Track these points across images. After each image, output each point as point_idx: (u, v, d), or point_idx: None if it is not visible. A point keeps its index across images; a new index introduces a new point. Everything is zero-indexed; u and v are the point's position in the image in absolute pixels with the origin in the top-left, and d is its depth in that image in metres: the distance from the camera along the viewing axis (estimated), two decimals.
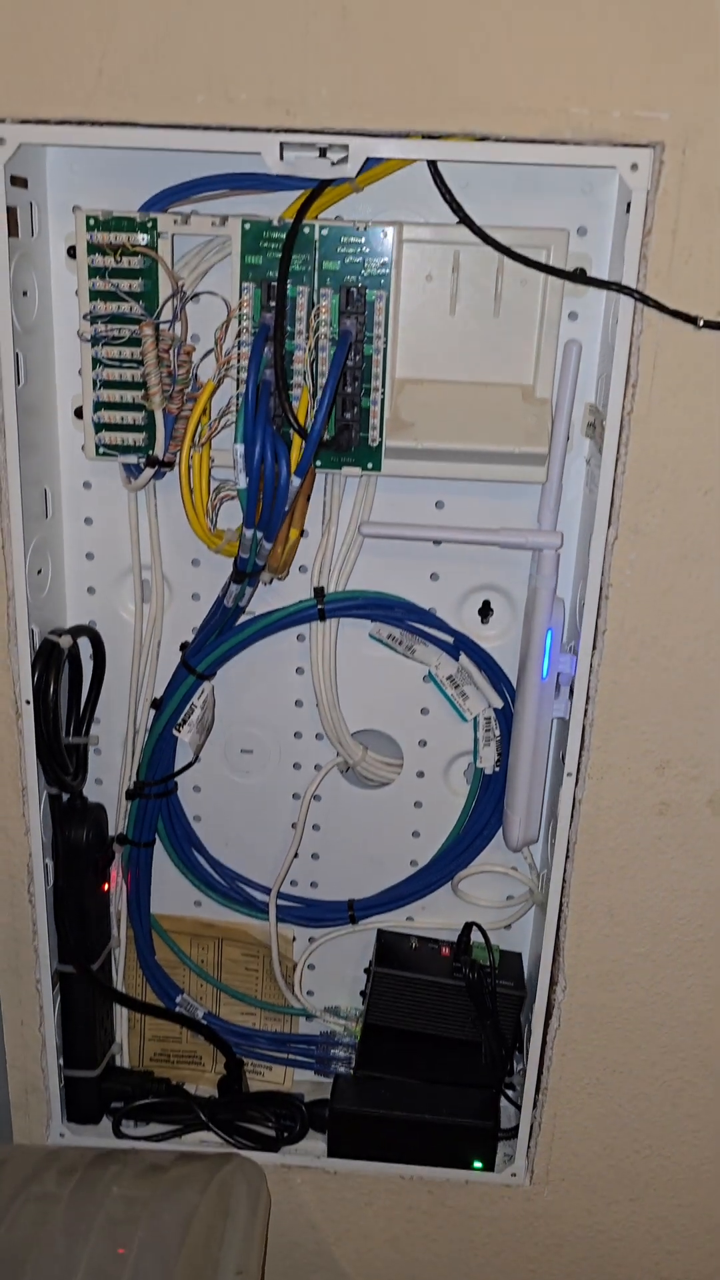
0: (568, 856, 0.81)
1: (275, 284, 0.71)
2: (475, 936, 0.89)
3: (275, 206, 0.74)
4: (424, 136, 0.66)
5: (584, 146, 0.65)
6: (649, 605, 0.73)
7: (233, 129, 0.65)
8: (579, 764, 0.78)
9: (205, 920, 0.94)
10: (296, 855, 0.91)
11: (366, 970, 0.92)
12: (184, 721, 0.84)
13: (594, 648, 0.76)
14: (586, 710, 0.77)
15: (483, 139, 0.66)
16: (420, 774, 0.89)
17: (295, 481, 0.70)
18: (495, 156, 0.66)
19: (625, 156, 0.65)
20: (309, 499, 0.77)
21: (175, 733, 0.84)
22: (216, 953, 0.95)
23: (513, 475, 0.76)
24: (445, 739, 0.88)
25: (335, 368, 0.69)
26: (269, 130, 0.65)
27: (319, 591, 0.81)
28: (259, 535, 0.73)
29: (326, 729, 0.86)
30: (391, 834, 0.91)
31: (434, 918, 0.93)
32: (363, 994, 0.93)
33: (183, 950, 0.95)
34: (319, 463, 0.76)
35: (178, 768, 0.87)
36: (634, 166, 0.65)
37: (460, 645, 0.83)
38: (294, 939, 0.94)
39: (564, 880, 0.81)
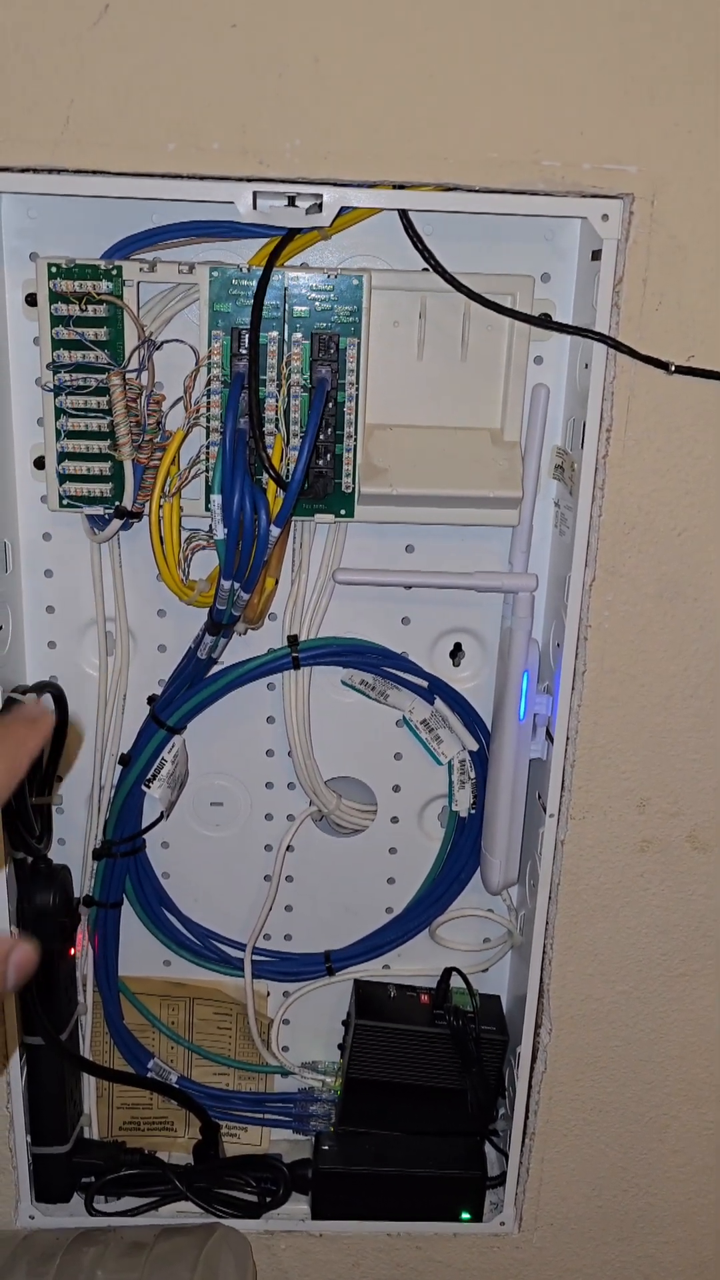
0: (551, 898, 0.81)
1: (244, 331, 0.70)
2: (454, 981, 0.88)
3: (240, 253, 0.73)
4: (395, 186, 0.66)
5: (555, 197, 0.66)
6: (627, 645, 0.74)
7: (205, 178, 0.65)
8: (560, 804, 0.78)
9: (175, 980, 0.91)
10: (271, 908, 0.89)
11: (344, 1022, 0.90)
12: (154, 777, 0.81)
13: (573, 688, 0.76)
14: (567, 751, 0.77)
15: (453, 189, 0.66)
16: (394, 819, 0.88)
17: (274, 531, 0.69)
18: (467, 206, 0.66)
19: (596, 208, 0.66)
20: (284, 548, 0.76)
21: (145, 788, 0.82)
22: (187, 1013, 0.92)
23: (486, 519, 0.76)
24: (419, 783, 0.87)
25: (315, 415, 0.68)
26: (242, 180, 0.65)
27: (293, 640, 0.80)
28: (237, 586, 0.71)
29: (301, 778, 0.84)
30: (366, 882, 0.90)
31: (411, 964, 0.91)
32: (340, 1047, 0.91)
33: (152, 1012, 0.92)
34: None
35: (145, 824, 0.85)
36: (605, 217, 0.66)
37: (434, 689, 0.82)
38: (268, 994, 0.92)
39: (547, 922, 0.81)
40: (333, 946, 0.91)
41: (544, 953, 0.82)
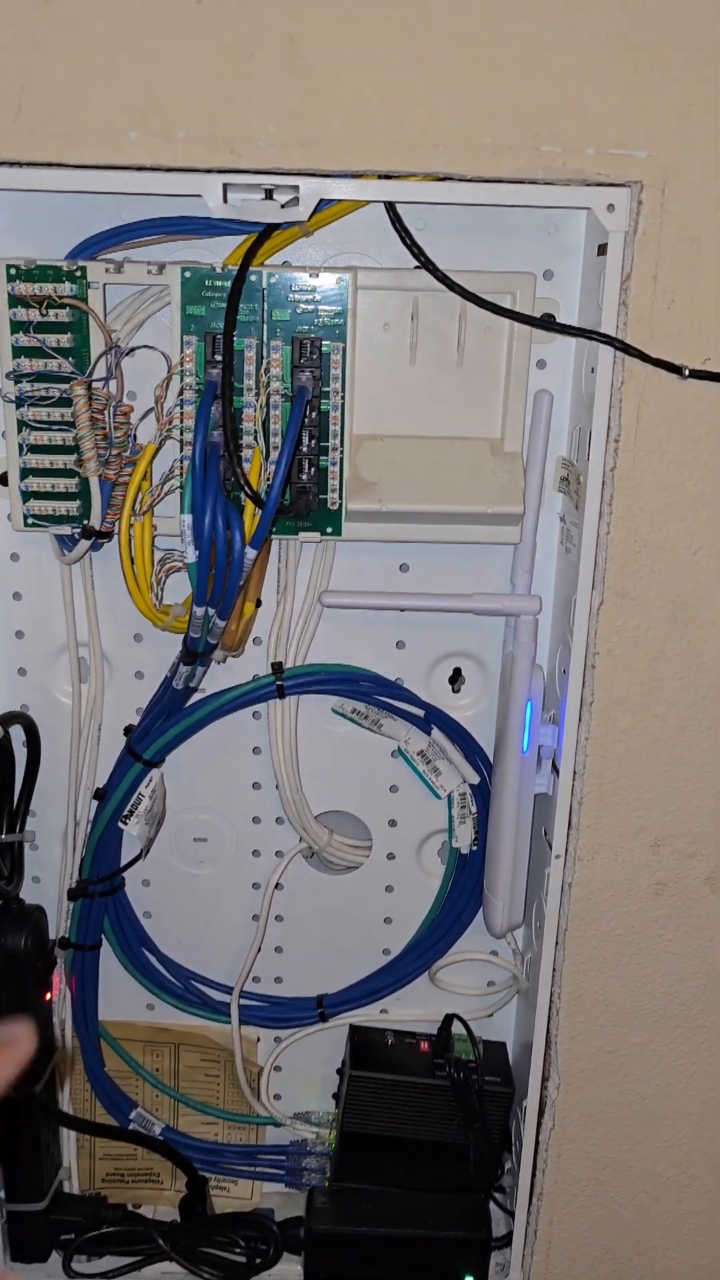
0: (558, 943, 0.75)
1: (220, 336, 0.64)
2: (456, 1028, 0.82)
3: (217, 252, 0.68)
4: (381, 176, 0.61)
5: (556, 186, 0.60)
6: (638, 673, 0.68)
7: (171, 170, 0.59)
8: (568, 844, 0.72)
9: (159, 1025, 0.86)
10: (260, 949, 0.84)
11: (339, 1070, 0.85)
12: (131, 813, 0.76)
13: (580, 719, 0.70)
14: (574, 786, 0.71)
15: (445, 179, 0.60)
16: (390, 856, 0.82)
17: (250, 553, 0.63)
18: (460, 197, 0.61)
19: (600, 197, 0.60)
20: (265, 569, 0.71)
21: (121, 825, 0.76)
22: (173, 1060, 0.87)
23: (485, 536, 0.71)
24: (417, 818, 0.81)
25: (292, 427, 0.63)
26: (211, 171, 0.59)
27: (277, 667, 0.74)
28: (211, 613, 0.66)
29: (289, 813, 0.79)
30: (361, 922, 0.84)
31: (410, 1009, 0.86)
32: (335, 1096, 0.85)
33: (135, 1059, 0.86)
34: (274, 529, 0.69)
35: (124, 862, 0.79)
36: (610, 207, 0.60)
37: (431, 718, 0.76)
38: (258, 1040, 0.86)
39: (554, 969, 0.75)
40: (326, 990, 0.85)
41: (551, 1002, 0.76)
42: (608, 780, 0.70)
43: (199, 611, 0.65)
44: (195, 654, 0.68)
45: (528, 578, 0.72)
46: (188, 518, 0.62)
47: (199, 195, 0.60)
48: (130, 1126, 0.85)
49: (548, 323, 0.66)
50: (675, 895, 0.73)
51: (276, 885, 0.82)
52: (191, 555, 0.62)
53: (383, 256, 0.69)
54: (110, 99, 0.58)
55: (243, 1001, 0.84)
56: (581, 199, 0.60)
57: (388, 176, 0.60)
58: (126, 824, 0.76)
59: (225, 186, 0.60)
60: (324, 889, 0.83)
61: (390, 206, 0.63)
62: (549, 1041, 0.77)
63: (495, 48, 0.57)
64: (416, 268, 0.65)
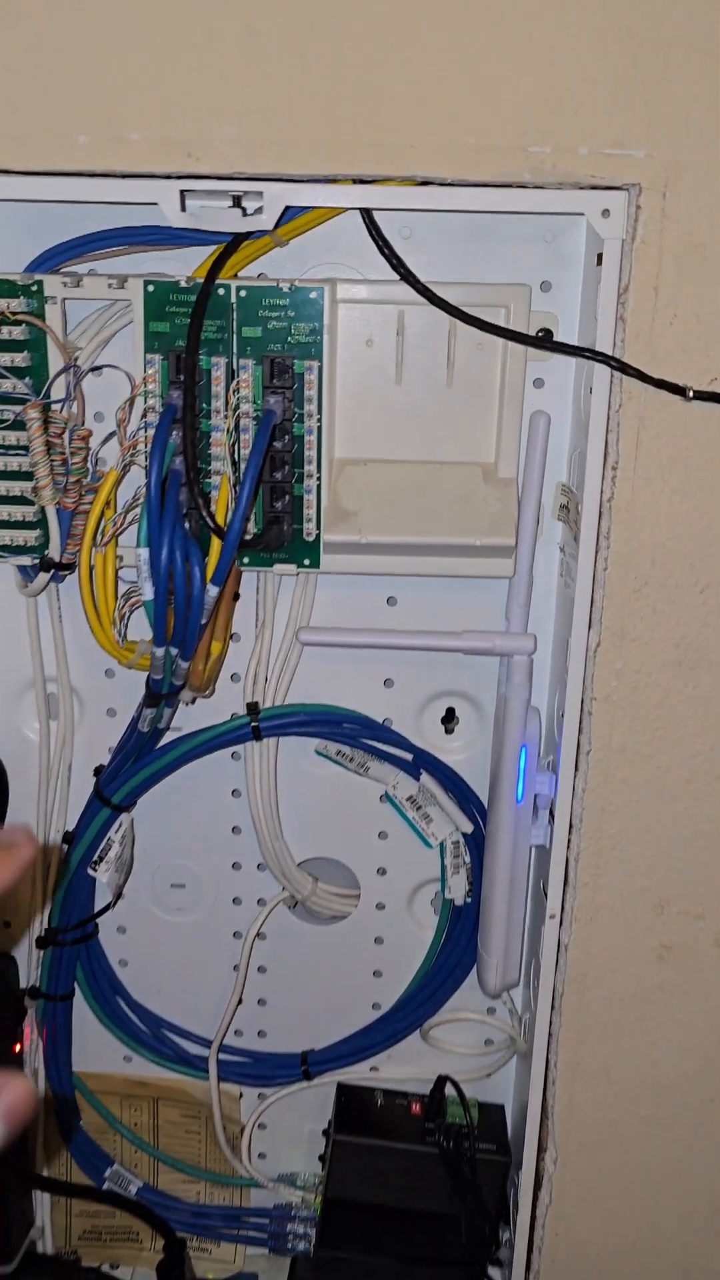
0: (554, 1008, 0.69)
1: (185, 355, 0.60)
2: (451, 1089, 0.77)
3: (187, 264, 0.63)
4: (355, 181, 0.55)
5: (546, 190, 0.54)
6: (640, 720, 0.62)
7: (124, 176, 0.54)
8: (563, 903, 0.66)
9: (137, 1078, 0.81)
10: (241, 1001, 0.79)
11: (325, 1132, 0.79)
12: (100, 859, 0.72)
13: (576, 769, 0.64)
14: (570, 840, 0.65)
15: (425, 183, 0.55)
16: (380, 906, 0.77)
17: (212, 590, 0.58)
18: (440, 203, 0.55)
19: (595, 201, 0.54)
20: (235, 602, 0.66)
21: (91, 872, 0.72)
22: (151, 1115, 0.82)
23: (475, 570, 0.65)
24: (408, 866, 0.76)
25: (256, 453, 0.58)
26: (167, 176, 0.54)
27: (252, 707, 0.69)
28: (174, 653, 0.61)
29: (268, 860, 0.74)
30: (349, 975, 0.79)
31: (402, 1067, 0.80)
32: (322, 1158, 0.80)
33: (112, 1113, 0.82)
34: (245, 561, 0.65)
35: (97, 909, 0.75)
36: (605, 212, 0.55)
37: (420, 763, 0.71)
38: (241, 1095, 0.82)
39: (550, 1035, 0.69)
40: (313, 1045, 0.80)
41: (547, 1071, 0.70)
42: (607, 835, 0.64)
43: (159, 652, 0.60)
44: (159, 696, 0.63)
45: (523, 614, 0.67)
46: (144, 551, 0.57)
47: (155, 203, 0.55)
48: (105, 1185, 0.80)
49: (536, 339, 0.61)
50: (681, 960, 0.67)
51: (258, 935, 0.77)
52: (148, 592, 0.58)
53: (367, 268, 0.64)
54: (56, 99, 0.53)
55: (223, 1056, 0.79)
56: (574, 204, 0.55)
57: (362, 180, 0.55)
58: (96, 870, 0.72)
59: (183, 194, 0.55)
60: (309, 939, 0.78)
61: (366, 214, 0.58)
62: (545, 1112, 0.71)
63: (478, 38, 0.52)
64: (401, 280, 0.60)
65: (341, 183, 0.56)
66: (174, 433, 0.59)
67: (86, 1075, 0.81)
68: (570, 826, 0.65)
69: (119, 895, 0.75)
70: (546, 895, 0.67)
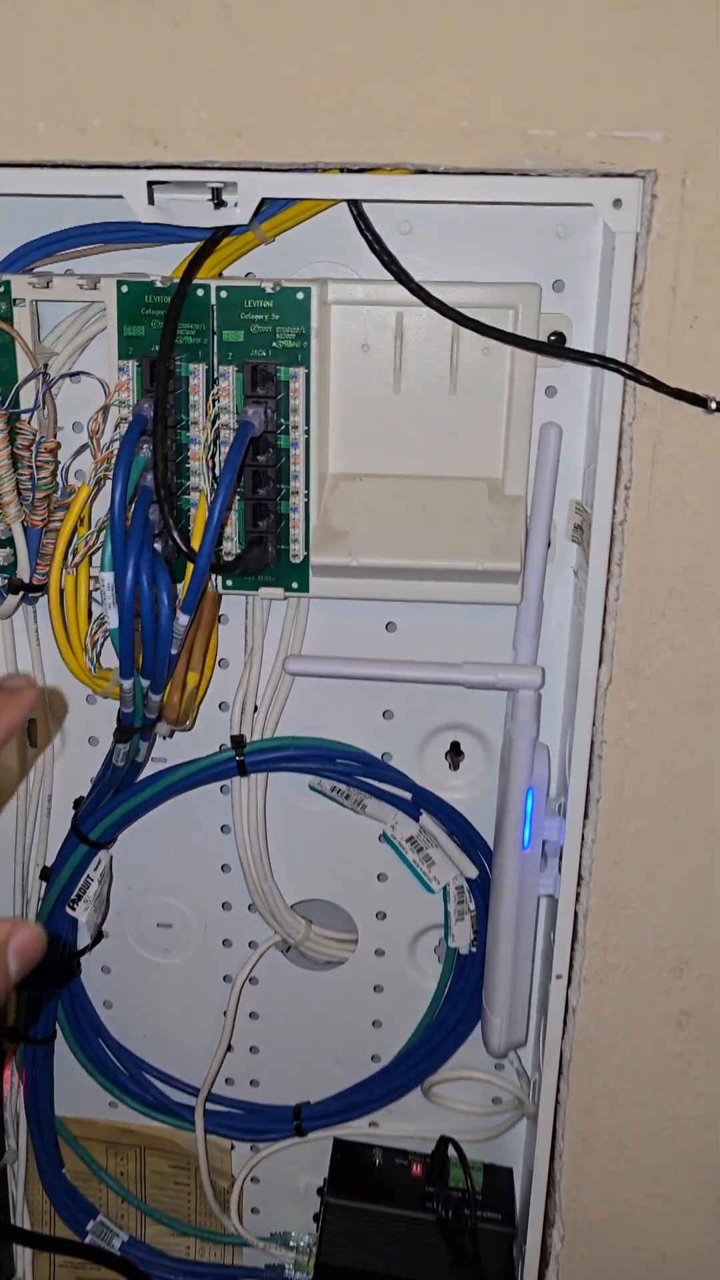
0: (561, 1073, 0.63)
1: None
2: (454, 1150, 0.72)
3: (171, 264, 0.58)
4: (341, 170, 0.50)
5: (550, 178, 0.49)
6: (655, 766, 0.56)
7: (86, 166, 0.50)
8: (571, 963, 0.61)
9: (123, 1125, 0.77)
10: (231, 1049, 0.74)
11: (320, 1191, 0.74)
12: (79, 898, 0.67)
13: (586, 817, 0.58)
14: (579, 894, 0.60)
15: (420, 171, 0.50)
16: (379, 952, 0.72)
17: (182, 618, 0.53)
18: (433, 194, 0.50)
19: (605, 190, 0.49)
20: (214, 628, 0.61)
21: (70, 911, 0.68)
22: (139, 1164, 0.78)
23: (478, 595, 0.60)
24: (409, 910, 0.70)
25: (229, 469, 0.53)
26: (133, 167, 0.50)
27: (238, 741, 0.64)
28: (144, 684, 0.56)
29: (257, 902, 0.69)
30: (346, 1024, 0.74)
31: (403, 1124, 0.75)
32: (316, 1218, 0.75)
33: (97, 1161, 0.78)
34: (229, 584, 0.60)
35: (79, 947, 0.71)
36: (617, 203, 0.49)
37: (420, 802, 0.66)
38: (232, 1147, 0.77)
39: (557, 1102, 0.64)
40: (307, 1097, 0.75)
41: (554, 1142, 0.64)
42: (619, 891, 0.59)
43: (126, 685, 0.56)
44: (130, 730, 0.59)
45: (532, 644, 0.61)
46: (108, 575, 0.53)
47: (120, 196, 0.51)
48: (89, 1237, 0.76)
49: (537, 343, 0.55)
50: (702, 1027, 0.61)
51: (249, 979, 0.72)
52: (113, 620, 0.53)
53: (365, 267, 0.58)
54: (8, 83, 0.49)
55: (212, 1107, 0.74)
56: (582, 193, 0.49)
57: (348, 170, 0.50)
58: (74, 909, 0.68)
59: (150, 185, 0.50)
60: (304, 985, 0.73)
61: (355, 206, 0.53)
62: (553, 1184, 0.66)
63: (471, 8, 0.47)
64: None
65: (329, 171, 0.51)
66: (145, 445, 0.54)
67: (70, 1120, 0.77)
68: (579, 879, 0.59)
69: (99, 936, 0.71)
70: (552, 954, 0.61)
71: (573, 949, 0.60)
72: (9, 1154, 0.75)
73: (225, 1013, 0.73)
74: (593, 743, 0.56)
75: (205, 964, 0.73)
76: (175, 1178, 0.78)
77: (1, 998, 0.31)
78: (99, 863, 0.67)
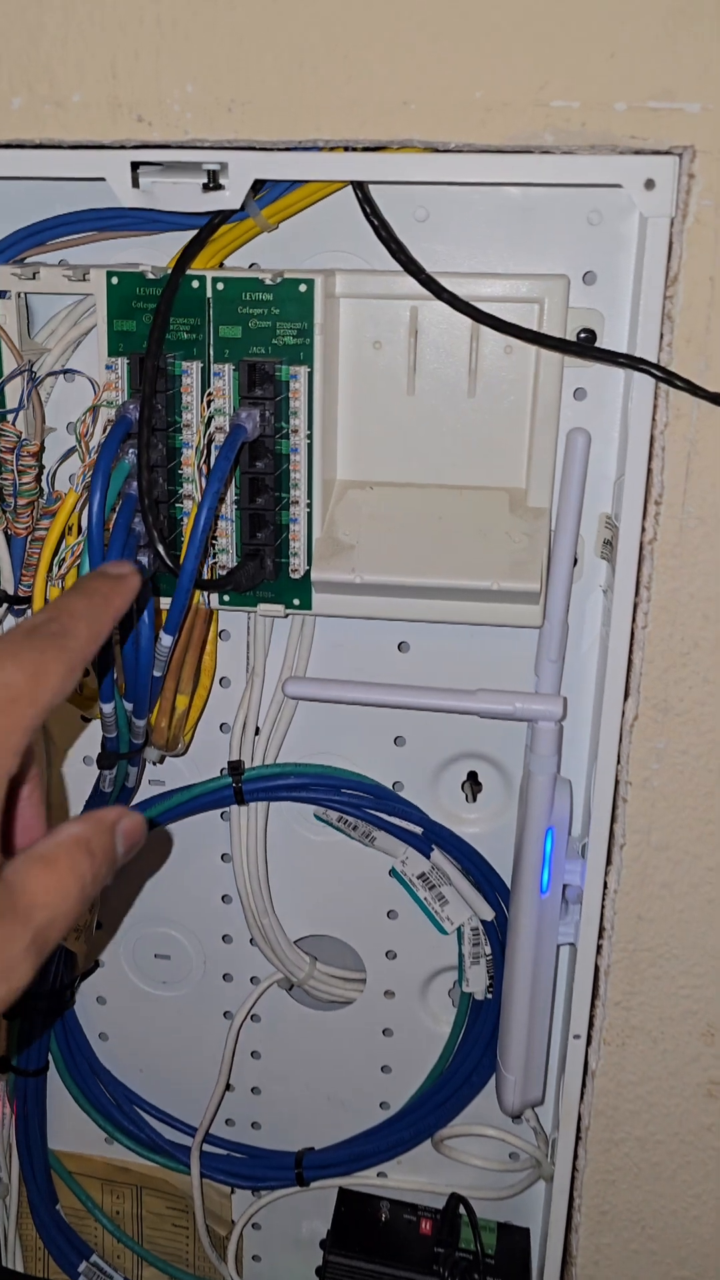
0: (579, 1139, 0.58)
1: (155, 359, 0.51)
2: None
3: (171, 253, 0.54)
4: (344, 148, 0.46)
5: (575, 156, 0.44)
6: (686, 812, 0.51)
7: (64, 147, 0.46)
8: (591, 1022, 0.55)
9: (119, 1162, 0.73)
10: (230, 1088, 0.70)
11: (323, 1244, 0.70)
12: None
13: (609, 864, 0.53)
14: (601, 948, 0.54)
15: (431, 149, 0.45)
16: (389, 993, 0.67)
17: (165, 639, 0.49)
18: (445, 174, 0.45)
19: (635, 169, 0.43)
20: (207, 647, 0.57)
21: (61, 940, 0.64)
22: (135, 1203, 0.74)
23: (495, 617, 0.55)
24: (421, 950, 0.65)
25: (215, 478, 0.48)
26: (115, 146, 0.46)
27: (235, 767, 0.60)
28: (127, 708, 0.52)
29: (257, 937, 0.64)
30: (354, 1068, 0.69)
31: (414, 1175, 0.70)
32: (319, 1273, 0.70)
33: (92, 1199, 0.74)
34: (225, 599, 0.55)
35: (71, 978, 0.67)
36: (649, 184, 0.43)
37: (432, 836, 0.61)
38: (232, 1191, 0.73)
39: (575, 1171, 0.58)
40: (311, 1143, 0.70)
41: (570, 1214, 0.59)
42: (644, 947, 0.53)
43: (108, 709, 0.51)
44: (114, 756, 0.55)
45: (555, 670, 0.56)
46: None
47: (102, 179, 0.46)
48: (80, 1279, 0.72)
49: (559, 341, 0.50)
50: None
51: (251, 1016, 0.68)
52: None
53: (378, 257, 0.53)
54: None
55: (211, 1149, 0.70)
56: (609, 173, 0.44)
57: (351, 148, 0.45)
58: (65, 939, 0.64)
59: (135, 166, 0.46)
60: (309, 1025, 0.69)
61: (360, 189, 0.48)
62: (568, 1258, 0.60)
63: None
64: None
65: (334, 150, 0.46)
66: (130, 450, 0.50)
67: (65, 1155, 0.73)
68: (600, 931, 0.54)
69: (94, 965, 0.67)
70: (572, 1013, 0.56)
71: (593, 1007, 0.55)
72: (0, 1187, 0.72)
73: (225, 1050, 0.68)
74: (617, 783, 0.51)
75: (204, 998, 0.69)
76: (174, 1219, 0.74)
77: (108, 877, 0.32)
78: None
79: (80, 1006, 0.69)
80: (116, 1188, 0.74)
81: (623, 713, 0.50)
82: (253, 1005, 0.67)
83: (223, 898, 0.66)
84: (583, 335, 0.53)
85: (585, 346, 0.50)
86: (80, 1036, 0.70)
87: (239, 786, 0.60)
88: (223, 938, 0.67)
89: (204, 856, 0.65)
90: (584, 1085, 0.56)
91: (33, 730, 0.29)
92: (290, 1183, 0.69)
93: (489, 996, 0.64)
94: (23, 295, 0.54)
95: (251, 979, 0.68)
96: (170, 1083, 0.71)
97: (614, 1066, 0.55)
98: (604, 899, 0.53)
